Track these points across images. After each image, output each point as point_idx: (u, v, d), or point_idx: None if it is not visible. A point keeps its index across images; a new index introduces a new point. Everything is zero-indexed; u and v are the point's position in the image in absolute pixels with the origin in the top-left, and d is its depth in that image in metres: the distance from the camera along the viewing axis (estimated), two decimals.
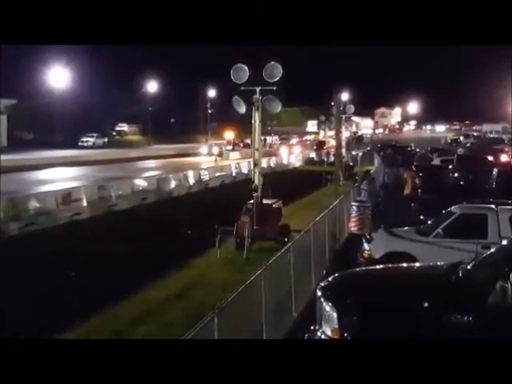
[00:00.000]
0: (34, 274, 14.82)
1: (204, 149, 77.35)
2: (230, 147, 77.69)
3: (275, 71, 18.26)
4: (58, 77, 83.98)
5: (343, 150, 44.61)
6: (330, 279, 8.52)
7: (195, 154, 74.78)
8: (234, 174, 43.96)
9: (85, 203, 26.10)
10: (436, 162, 40.45)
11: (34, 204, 23.52)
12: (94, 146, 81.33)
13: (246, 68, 18.32)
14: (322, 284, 8.30)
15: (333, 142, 54.08)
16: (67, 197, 25.54)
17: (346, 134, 51.94)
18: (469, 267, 8.03)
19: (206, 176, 39.77)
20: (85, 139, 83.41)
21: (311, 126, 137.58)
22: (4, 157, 56.97)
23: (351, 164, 48.30)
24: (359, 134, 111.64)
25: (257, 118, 18.73)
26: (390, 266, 10.06)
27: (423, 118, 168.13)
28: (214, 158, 67.33)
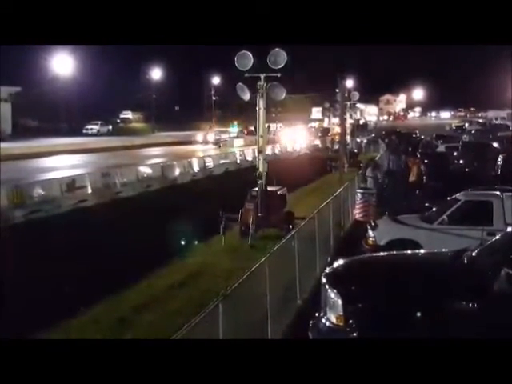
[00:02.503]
0: (38, 260, 14.87)
1: (199, 136, 74.06)
2: (235, 134, 77.67)
3: (280, 58, 18.17)
4: (63, 64, 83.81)
5: (348, 137, 44.50)
6: (334, 266, 8.52)
7: (189, 142, 70.82)
8: (238, 162, 43.94)
9: (89, 190, 26.18)
10: (441, 148, 40.28)
11: (38, 191, 23.59)
12: (98, 134, 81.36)
13: (251, 55, 18.24)
14: (327, 271, 8.30)
15: (337, 129, 53.88)
16: (72, 184, 25.61)
17: (350, 121, 51.81)
18: (474, 254, 8.01)
19: (210, 163, 39.79)
20: (89, 127, 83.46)
21: (316, 113, 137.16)
22: (9, 144, 57.30)
23: (356, 151, 48.23)
24: (363, 121, 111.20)
25: (261, 104, 18.67)
26: (394, 252, 10.06)
27: (428, 105, 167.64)
28: (208, 147, 65.78)
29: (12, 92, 78.92)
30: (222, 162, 42.13)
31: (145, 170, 32.74)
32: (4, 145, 57.51)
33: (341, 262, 8.77)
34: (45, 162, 44.87)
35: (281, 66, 18.18)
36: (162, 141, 71.80)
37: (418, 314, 7.09)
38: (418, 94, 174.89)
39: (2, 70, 75.15)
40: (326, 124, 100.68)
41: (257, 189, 18.70)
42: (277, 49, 18.21)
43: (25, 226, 20.26)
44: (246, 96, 18.82)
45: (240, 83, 18.70)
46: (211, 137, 71.91)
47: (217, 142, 69.36)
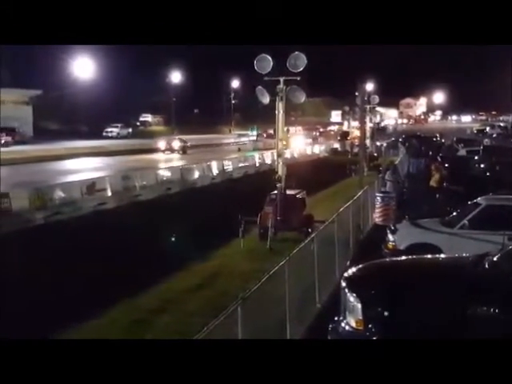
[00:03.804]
0: (56, 262, 14.96)
1: (161, 143, 62.78)
2: (254, 137, 77.55)
3: (299, 61, 18.17)
4: (83, 67, 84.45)
5: (367, 141, 44.34)
6: (354, 270, 8.49)
7: (151, 151, 60.69)
8: (257, 165, 43.98)
9: (109, 193, 26.30)
10: (462, 152, 40.10)
11: (59, 194, 23.74)
12: (118, 137, 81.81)
13: (270, 58, 18.27)
14: (347, 275, 8.27)
15: (357, 133, 53.79)
16: (92, 187, 25.75)
17: (370, 124, 51.63)
18: (495, 259, 7.95)
19: (229, 166, 39.87)
20: (109, 129, 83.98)
21: (335, 116, 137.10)
22: (30, 147, 57.82)
23: (376, 155, 48.06)
24: (382, 124, 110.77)
25: (280, 108, 18.68)
26: (414, 257, 10.00)
27: (449, 108, 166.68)
28: (172, 156, 57.20)
29: (33, 95, 79.69)
30: (241, 165, 42.19)
31: (164, 172, 32.86)
32: (25, 147, 58.19)
33: (360, 265, 8.73)
34: (65, 165, 45.19)
35: (300, 69, 18.18)
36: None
37: (439, 320, 7.04)
38: (439, 97, 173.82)
39: (23, 73, 75.91)
40: (345, 127, 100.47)
41: (276, 192, 18.72)
42: (296, 52, 18.19)
43: (45, 228, 20.40)
44: (266, 99, 18.82)
45: (259, 86, 18.72)
46: (176, 144, 62.06)
47: (184, 150, 60.99)
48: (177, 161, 50.65)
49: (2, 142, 62.74)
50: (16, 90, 78.21)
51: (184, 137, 67.84)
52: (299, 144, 60.22)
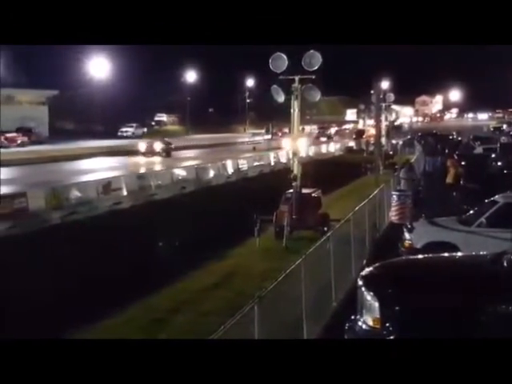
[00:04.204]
0: (74, 261, 15.04)
1: (141, 145, 57.10)
2: (269, 136, 77.43)
3: (314, 60, 18.15)
4: (98, 67, 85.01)
5: (383, 139, 44.16)
6: (371, 268, 8.45)
7: (128, 153, 55.81)
8: (272, 164, 43.93)
9: (125, 193, 26.41)
10: (478, 150, 39.86)
11: (75, 193, 23.87)
12: (133, 136, 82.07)
13: (285, 57, 18.25)
14: (364, 273, 8.23)
15: (372, 131, 53.54)
16: (107, 186, 25.88)
17: (385, 122, 51.44)
18: None
19: (244, 165, 39.85)
20: (124, 129, 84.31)
21: (350, 114, 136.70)
22: (46, 147, 58.17)
23: (391, 153, 47.88)
24: (397, 122, 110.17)
25: (296, 107, 18.69)
26: (432, 255, 9.94)
27: (465, 106, 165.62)
28: (154, 159, 52.39)
29: (49, 95, 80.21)
30: (256, 164, 42.15)
31: (179, 172, 32.92)
32: (41, 147, 58.55)
33: (377, 264, 8.70)
34: (81, 164, 45.40)
35: (316, 67, 18.16)
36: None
37: (457, 318, 7.00)
38: (455, 95, 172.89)
39: (39, 73, 76.38)
40: (360, 126, 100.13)
41: (291, 191, 18.72)
42: (312, 51, 18.17)
43: (61, 228, 20.52)
44: (281, 98, 18.83)
45: (274, 85, 18.73)
46: (158, 146, 56.57)
47: (168, 152, 56.49)
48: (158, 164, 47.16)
49: (19, 142, 63.27)
50: (32, 91, 78.83)
51: (199, 136, 67.15)
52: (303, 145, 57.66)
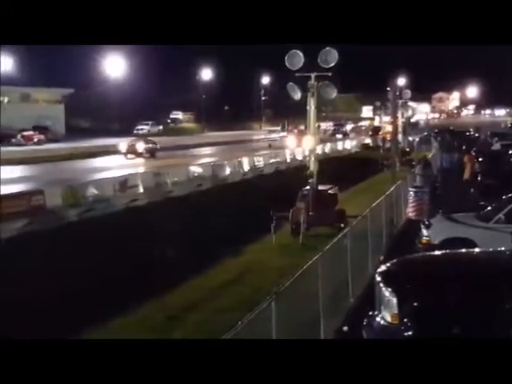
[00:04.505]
0: (93, 258, 15.12)
1: (122, 145, 52.20)
2: (285, 133, 77.29)
3: (330, 57, 18.14)
4: (114, 65, 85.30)
5: (400, 136, 43.96)
6: (389, 265, 8.44)
7: (108, 152, 52.73)
8: (288, 161, 43.84)
9: (141, 190, 26.49)
10: (496, 146, 39.58)
11: (91, 191, 23.97)
12: (149, 134, 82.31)
13: (301, 54, 18.24)
14: (382, 269, 8.22)
15: (388, 128, 53.30)
16: (124, 183, 25.98)
17: (402, 119, 51.16)
18: None
19: (260, 163, 39.82)
20: (140, 127, 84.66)
21: (366, 111, 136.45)
22: (62, 145, 58.50)
23: (408, 150, 47.65)
24: (414, 119, 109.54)
25: (312, 104, 18.68)
26: (449, 251, 9.90)
27: (483, 102, 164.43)
28: (136, 161, 47.77)
29: (65, 94, 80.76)
30: (272, 161, 42.08)
31: (196, 169, 32.97)
32: (57, 145, 58.92)
33: (395, 260, 8.69)
34: (97, 162, 45.58)
35: (332, 64, 18.15)
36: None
37: (474, 314, 6.98)
38: (472, 91, 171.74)
39: (55, 72, 76.81)
40: (376, 123, 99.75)
41: (308, 188, 18.72)
42: (328, 48, 18.15)
43: (78, 225, 20.63)
44: (297, 95, 18.83)
45: (291, 83, 18.75)
46: (141, 146, 51.78)
47: (152, 153, 51.91)
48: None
49: (35, 140, 63.75)
50: (48, 89, 79.50)
51: (214, 133, 66.72)
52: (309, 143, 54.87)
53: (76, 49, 76.79)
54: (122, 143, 52.44)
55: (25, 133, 64.90)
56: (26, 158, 46.73)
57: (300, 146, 45.79)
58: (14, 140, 62.50)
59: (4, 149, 53.38)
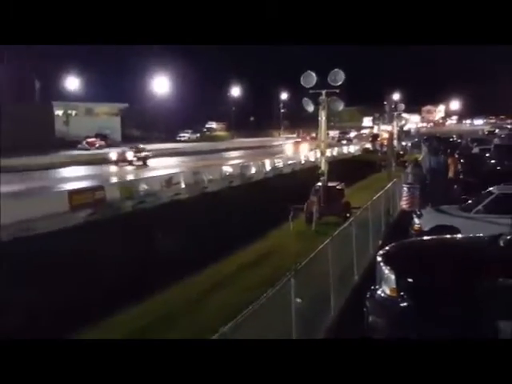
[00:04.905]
0: (140, 242, 15.20)
1: (112, 154, 46.89)
2: (299, 140, 77.17)
3: (338, 77, 18.13)
4: (161, 84, 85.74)
5: (395, 141, 43.57)
6: (388, 247, 8.37)
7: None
8: (302, 162, 43.71)
9: (183, 186, 26.61)
10: (475, 150, 39.04)
11: (143, 186, 24.15)
12: (188, 140, 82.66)
13: (314, 74, 18.23)
14: (382, 251, 8.16)
15: (385, 135, 52.82)
16: (169, 181, 26.13)
17: (396, 128, 50.68)
18: (509, 237, 7.75)
19: (279, 164, 39.77)
20: (182, 134, 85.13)
21: (367, 121, 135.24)
22: (118, 149, 58.92)
23: (402, 153, 47.19)
24: (406, 128, 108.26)
25: (323, 115, 18.68)
26: (438, 237, 9.81)
27: (463, 114, 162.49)
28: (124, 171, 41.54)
29: (121, 108, 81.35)
30: (289, 162, 42.01)
31: (227, 169, 32.98)
32: (115, 150, 59.31)
33: (394, 244, 8.62)
34: (147, 163, 45.82)
35: (339, 83, 18.11)
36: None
37: (458, 290, 6.91)
38: (455, 104, 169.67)
39: (113, 89, 77.27)
40: (375, 130, 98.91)
41: (319, 184, 18.74)
42: (336, 69, 18.20)
43: (132, 214, 20.76)
44: (311, 108, 18.81)
45: (305, 98, 18.70)
46: (130, 155, 45.77)
47: (144, 161, 45.96)
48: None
49: (97, 145, 64.40)
50: (107, 104, 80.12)
51: (242, 139, 66.43)
52: (304, 150, 50.00)
53: (130, 69, 77.22)
54: (113, 152, 47.08)
55: (89, 139, 65.61)
56: (90, 160, 47.16)
57: (297, 151, 46.02)
58: (80, 145, 63.22)
59: (73, 152, 53.98)
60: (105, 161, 45.99)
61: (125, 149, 47.98)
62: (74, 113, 75.16)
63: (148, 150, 48.63)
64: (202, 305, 10.72)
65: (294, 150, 47.30)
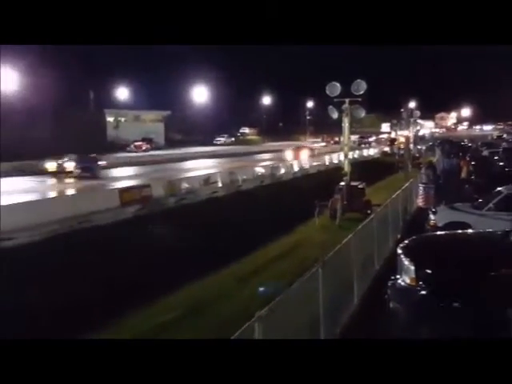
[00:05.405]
0: (183, 232, 15.34)
1: (49, 164, 36.13)
2: (324, 144, 76.69)
3: (360, 87, 17.99)
4: (199, 93, 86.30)
5: (411, 145, 43.00)
6: (407, 241, 8.30)
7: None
8: (327, 163, 43.45)
9: (220, 184, 26.70)
10: (485, 153, 38.31)
11: (184, 185, 24.31)
12: (224, 144, 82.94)
13: (338, 84, 18.13)
14: (402, 244, 8.10)
15: (402, 139, 52.09)
16: (207, 180, 26.26)
17: (412, 132, 49.87)
18: None
19: (306, 165, 39.62)
20: (218, 139, 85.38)
21: (385, 127, 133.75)
22: (162, 152, 59.64)
23: (417, 155, 46.54)
24: (421, 133, 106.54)
25: (346, 122, 18.58)
26: (452, 232, 9.67)
27: (474, 120, 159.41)
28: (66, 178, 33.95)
29: (164, 115, 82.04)
30: (314, 164, 41.79)
31: (259, 169, 32.96)
32: (159, 152, 60.03)
33: (412, 237, 8.54)
34: (187, 164, 46.18)
35: (361, 92, 17.98)
36: None
37: (472, 281, 6.81)
38: (466, 111, 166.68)
39: (158, 98, 78.01)
40: (393, 135, 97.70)
41: (343, 183, 18.64)
42: (358, 80, 18.05)
43: (176, 209, 20.95)
44: (335, 115, 18.73)
45: (331, 106, 18.62)
46: (70, 165, 35.05)
47: (93, 172, 34.72)
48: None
49: (143, 148, 65.14)
50: (152, 111, 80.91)
51: (272, 143, 65.88)
52: (305, 157, 46.76)
53: (173, 81, 77.92)
54: (50, 162, 36.04)
55: (136, 143, 66.39)
56: (137, 162, 47.76)
57: (298, 158, 43.88)
58: (128, 148, 63.98)
59: (122, 155, 54.64)
60: (150, 162, 46.70)
61: (65, 159, 36.19)
62: (123, 119, 76.08)
63: (96, 160, 37.80)
64: (245, 285, 10.84)
65: (294, 157, 45.79)
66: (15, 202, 17.79)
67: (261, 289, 9.60)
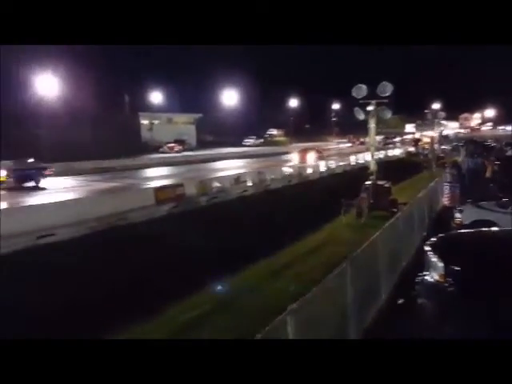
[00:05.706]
0: (215, 230, 15.39)
1: (2, 172, 26.86)
2: (350, 144, 75.97)
3: (386, 88, 17.76)
4: (229, 97, 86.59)
5: (436, 145, 42.29)
6: (435, 238, 8.17)
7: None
8: (352, 163, 42.98)
9: (249, 183, 26.67)
10: (509, 153, 37.46)
11: (215, 184, 24.36)
12: (253, 145, 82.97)
13: (365, 87, 17.93)
14: (430, 242, 7.98)
15: (426, 139, 51.34)
16: (237, 179, 26.25)
17: (437, 133, 49.12)
18: None
19: (332, 165, 39.26)
20: (247, 140, 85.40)
21: (409, 128, 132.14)
22: (194, 153, 60.07)
23: (442, 155, 45.74)
24: (444, 133, 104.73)
25: (372, 123, 18.39)
26: (480, 229, 9.47)
27: (498, 120, 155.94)
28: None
29: (196, 117, 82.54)
30: (341, 163, 41.40)
31: (286, 169, 32.85)
32: (191, 153, 60.43)
33: (440, 235, 8.40)
34: (218, 164, 46.33)
35: (387, 94, 17.75)
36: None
37: (499, 276, 6.66)
38: (490, 112, 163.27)
39: (189, 102, 78.57)
40: (417, 136, 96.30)
41: (369, 182, 18.45)
42: (384, 82, 17.80)
43: (207, 208, 21.05)
44: (361, 116, 18.53)
45: (357, 107, 18.44)
46: (2, 173, 26.76)
47: (36, 181, 27.96)
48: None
49: (176, 149, 65.63)
50: (184, 114, 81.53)
51: (298, 144, 65.60)
52: (311, 159, 44.02)
53: (204, 85, 78.40)
54: (2, 171, 26.99)
55: (169, 144, 66.93)
56: (170, 162, 48.18)
57: (304, 160, 42.22)
58: (161, 149, 64.62)
59: (156, 155, 55.25)
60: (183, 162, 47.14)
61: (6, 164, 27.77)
62: (156, 122, 76.85)
63: (44, 168, 29.63)
64: (283, 274, 10.98)
65: (301, 159, 44.21)
66: (58, 200, 18.16)
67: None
